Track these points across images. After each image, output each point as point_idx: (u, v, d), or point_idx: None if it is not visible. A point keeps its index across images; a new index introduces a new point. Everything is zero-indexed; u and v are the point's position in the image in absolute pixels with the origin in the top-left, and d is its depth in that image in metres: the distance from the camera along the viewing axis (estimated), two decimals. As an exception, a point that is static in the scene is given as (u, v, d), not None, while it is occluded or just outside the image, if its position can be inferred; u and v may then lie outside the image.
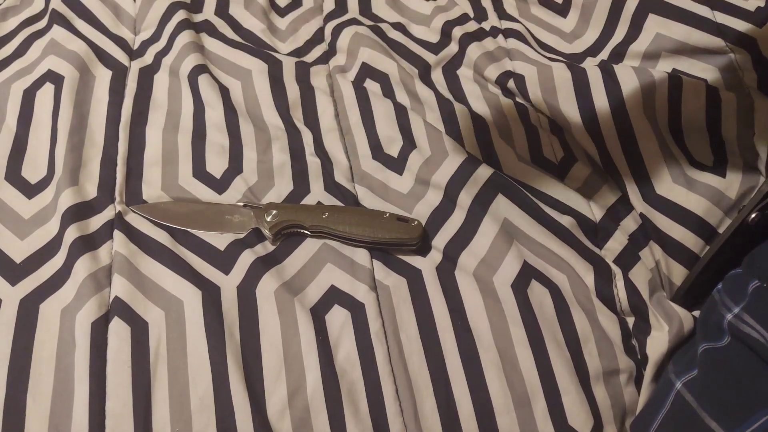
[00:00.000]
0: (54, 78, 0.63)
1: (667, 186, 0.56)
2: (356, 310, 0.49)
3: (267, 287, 0.49)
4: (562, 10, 0.73)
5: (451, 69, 0.70)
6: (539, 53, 0.69)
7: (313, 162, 0.59)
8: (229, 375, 0.45)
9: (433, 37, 0.73)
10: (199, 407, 0.45)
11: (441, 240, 0.54)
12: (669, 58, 0.62)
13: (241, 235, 0.53)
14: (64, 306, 0.48)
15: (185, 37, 0.67)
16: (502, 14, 0.75)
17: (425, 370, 0.47)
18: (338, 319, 0.49)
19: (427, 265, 0.52)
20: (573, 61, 0.67)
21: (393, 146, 0.60)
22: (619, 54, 0.66)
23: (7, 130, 0.59)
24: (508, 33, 0.72)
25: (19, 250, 0.51)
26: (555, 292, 0.51)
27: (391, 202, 0.57)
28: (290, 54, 0.69)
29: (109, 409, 0.44)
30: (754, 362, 0.38)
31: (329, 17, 0.74)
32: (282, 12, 0.75)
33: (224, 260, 0.51)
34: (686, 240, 0.54)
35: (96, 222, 0.53)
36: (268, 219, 0.52)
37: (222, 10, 0.73)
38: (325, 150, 0.61)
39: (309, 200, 0.57)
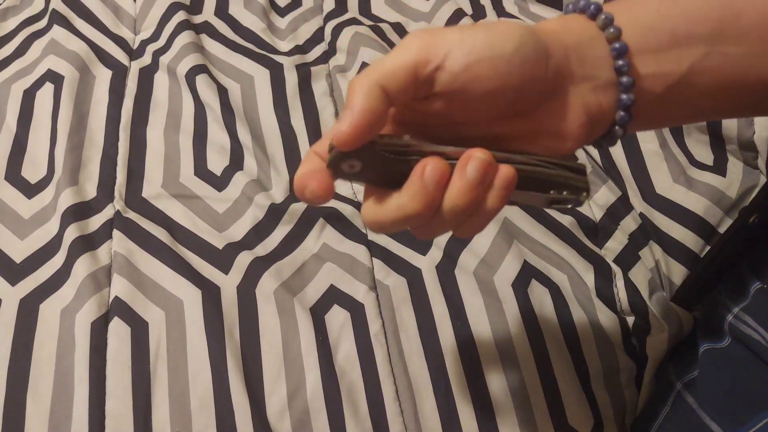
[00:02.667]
0: (54, 78, 0.63)
1: (667, 185, 0.56)
2: (356, 310, 0.49)
3: (266, 287, 0.49)
4: (559, 7, 0.73)
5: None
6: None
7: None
8: (228, 375, 0.45)
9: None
10: (199, 407, 0.45)
11: (441, 238, 0.54)
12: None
13: None
14: (63, 306, 0.48)
15: (185, 38, 0.67)
16: (501, 12, 0.76)
17: (425, 370, 0.47)
18: (338, 319, 0.49)
19: (427, 264, 0.52)
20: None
21: (393, 146, 0.60)
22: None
23: (7, 130, 0.60)
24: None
25: (18, 250, 0.51)
26: (555, 291, 0.51)
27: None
28: (290, 52, 0.70)
29: (109, 409, 0.44)
30: (754, 364, 0.38)
31: (329, 17, 0.74)
32: (282, 12, 0.75)
33: (223, 259, 0.51)
34: (686, 239, 0.54)
35: (96, 222, 0.53)
36: None
37: (222, 10, 0.73)
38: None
39: (304, 204, 0.56)
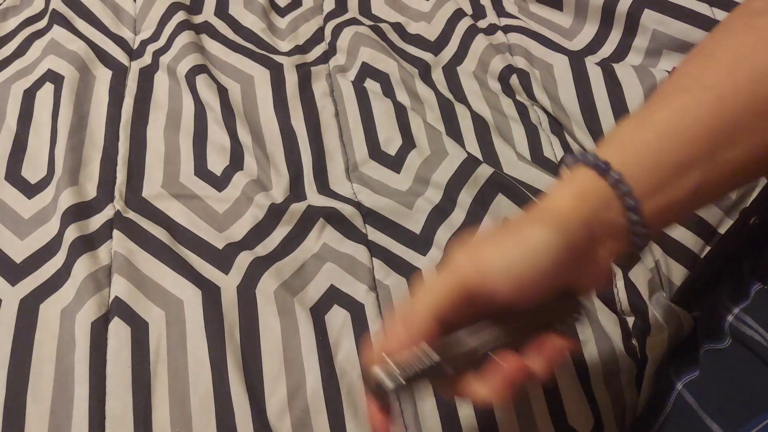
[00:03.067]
0: (54, 78, 0.63)
1: (667, 186, 0.56)
2: (356, 310, 0.49)
3: (267, 287, 0.49)
4: (559, 7, 0.73)
5: (451, 67, 0.69)
6: (540, 48, 0.69)
7: (308, 162, 0.59)
8: (229, 375, 0.45)
9: (433, 35, 0.73)
10: (199, 408, 0.44)
11: (441, 238, 0.54)
12: (670, 55, 0.62)
13: None
14: (64, 306, 0.48)
15: (185, 38, 0.67)
16: (501, 12, 0.76)
17: (425, 370, 0.47)
18: (338, 319, 0.49)
19: (427, 264, 0.52)
20: (574, 58, 0.67)
21: (391, 145, 0.60)
22: (620, 52, 0.65)
23: (7, 130, 0.60)
24: (508, 29, 0.72)
25: (19, 250, 0.51)
26: (555, 292, 0.51)
27: (390, 200, 0.57)
28: (290, 52, 0.70)
29: (109, 409, 0.44)
30: (755, 364, 0.38)
31: (329, 17, 0.73)
32: (282, 12, 0.75)
33: (223, 259, 0.51)
34: (686, 240, 0.54)
35: (96, 222, 0.53)
36: None
37: (222, 10, 0.73)
38: (322, 149, 0.61)
39: (304, 204, 0.56)
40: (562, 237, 0.28)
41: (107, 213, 0.54)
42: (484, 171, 0.57)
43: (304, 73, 0.67)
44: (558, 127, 0.63)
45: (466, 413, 0.46)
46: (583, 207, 0.30)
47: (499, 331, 0.30)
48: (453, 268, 0.29)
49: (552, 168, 0.60)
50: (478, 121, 0.63)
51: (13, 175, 0.56)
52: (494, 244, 0.29)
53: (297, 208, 0.55)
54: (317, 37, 0.72)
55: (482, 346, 0.30)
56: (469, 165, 0.57)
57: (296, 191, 0.58)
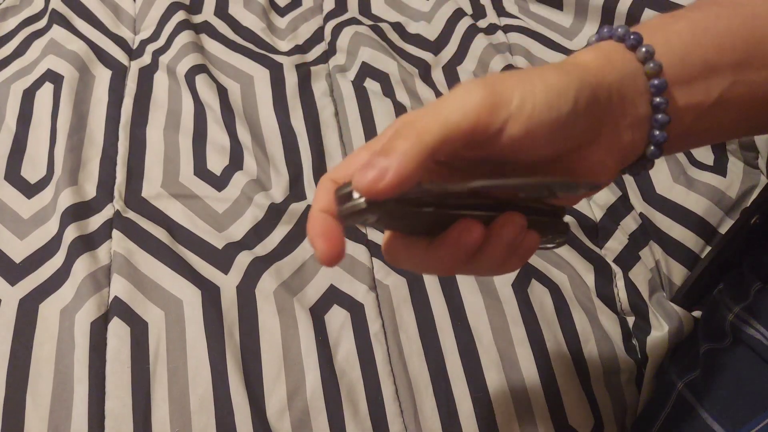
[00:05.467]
0: (53, 78, 0.63)
1: (667, 185, 0.56)
2: (356, 310, 0.49)
3: (266, 287, 0.49)
4: (559, 6, 0.73)
5: (451, 67, 0.69)
6: (541, 48, 0.69)
7: (308, 162, 0.59)
8: (228, 375, 0.45)
9: (433, 35, 0.73)
10: (198, 407, 0.44)
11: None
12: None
13: None
14: (63, 306, 0.48)
15: (184, 38, 0.67)
16: (501, 11, 0.76)
17: (425, 370, 0.47)
18: (338, 319, 0.49)
19: (427, 264, 0.52)
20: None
21: (393, 146, 0.60)
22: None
23: (6, 129, 0.59)
24: (508, 29, 0.72)
25: (18, 250, 0.51)
26: (555, 291, 0.51)
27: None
28: (290, 52, 0.70)
29: (108, 409, 0.44)
30: (756, 363, 0.38)
31: (329, 16, 0.74)
32: (282, 11, 0.75)
33: (222, 259, 0.51)
34: (686, 240, 0.54)
35: (95, 222, 0.53)
36: None
37: (221, 10, 0.73)
38: (322, 149, 0.61)
39: (304, 204, 0.56)
40: (587, 89, 0.26)
41: (107, 213, 0.54)
42: (484, 171, 0.57)
43: (304, 72, 0.67)
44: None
45: (466, 414, 0.46)
46: (609, 72, 0.27)
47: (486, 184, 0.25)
48: (464, 96, 0.24)
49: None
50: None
51: (13, 175, 0.56)
52: (514, 78, 0.25)
53: (297, 207, 0.55)
54: (317, 36, 0.72)
55: (441, 195, 0.25)
56: (469, 165, 0.57)
57: (296, 191, 0.58)
